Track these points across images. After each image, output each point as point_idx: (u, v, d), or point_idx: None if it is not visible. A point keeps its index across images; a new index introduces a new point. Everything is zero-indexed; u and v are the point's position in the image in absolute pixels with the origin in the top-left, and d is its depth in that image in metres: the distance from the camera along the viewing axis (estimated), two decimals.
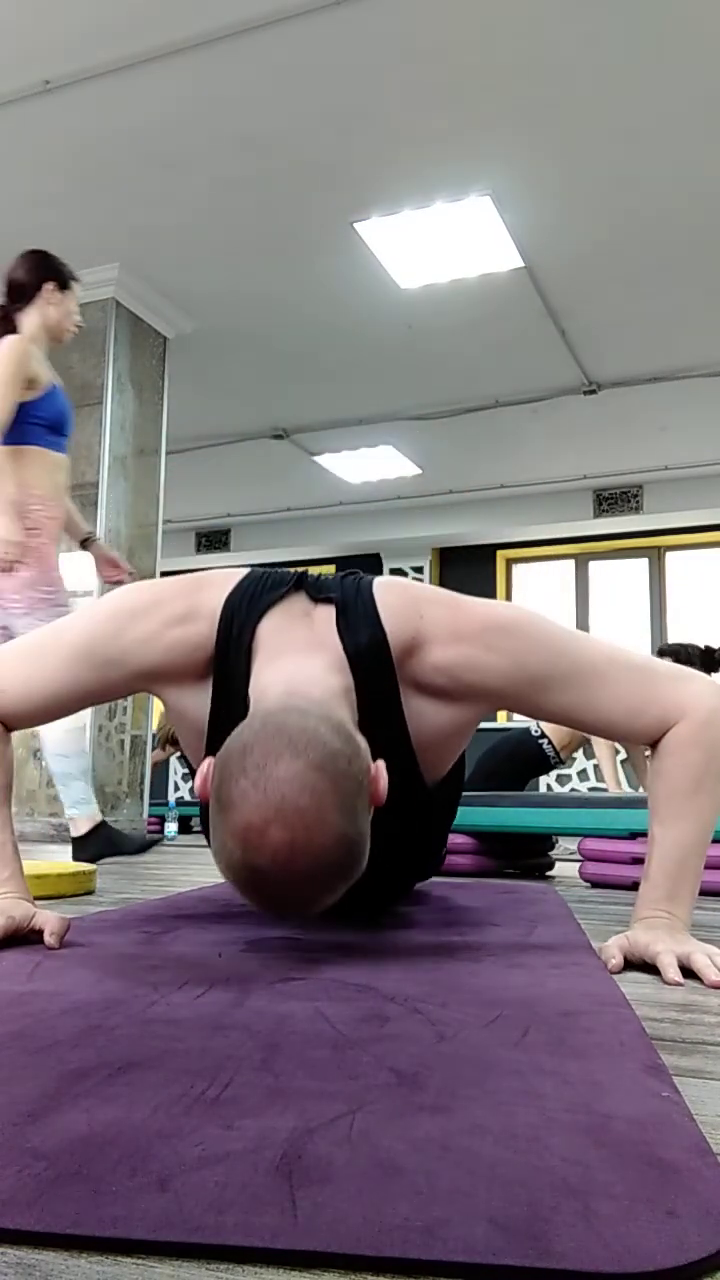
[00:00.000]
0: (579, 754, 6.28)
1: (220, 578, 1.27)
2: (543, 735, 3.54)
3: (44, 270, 2.86)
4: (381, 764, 1.04)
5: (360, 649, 1.18)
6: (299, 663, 1.15)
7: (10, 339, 2.71)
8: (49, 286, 2.84)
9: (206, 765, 1.03)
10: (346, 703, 1.14)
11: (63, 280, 2.86)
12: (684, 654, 3.50)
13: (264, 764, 0.94)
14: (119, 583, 2.93)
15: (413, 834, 1.41)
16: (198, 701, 1.24)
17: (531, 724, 3.60)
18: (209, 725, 1.23)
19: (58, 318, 2.86)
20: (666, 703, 1.21)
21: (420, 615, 1.22)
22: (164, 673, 1.24)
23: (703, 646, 3.61)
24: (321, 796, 0.93)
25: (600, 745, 3.87)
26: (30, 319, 2.82)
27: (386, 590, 1.25)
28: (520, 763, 3.58)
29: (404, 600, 1.24)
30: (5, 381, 2.65)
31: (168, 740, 5.94)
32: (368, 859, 1.00)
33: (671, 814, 1.18)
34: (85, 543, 3.14)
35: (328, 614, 1.21)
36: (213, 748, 1.17)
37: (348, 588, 1.25)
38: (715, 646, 3.61)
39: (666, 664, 1.29)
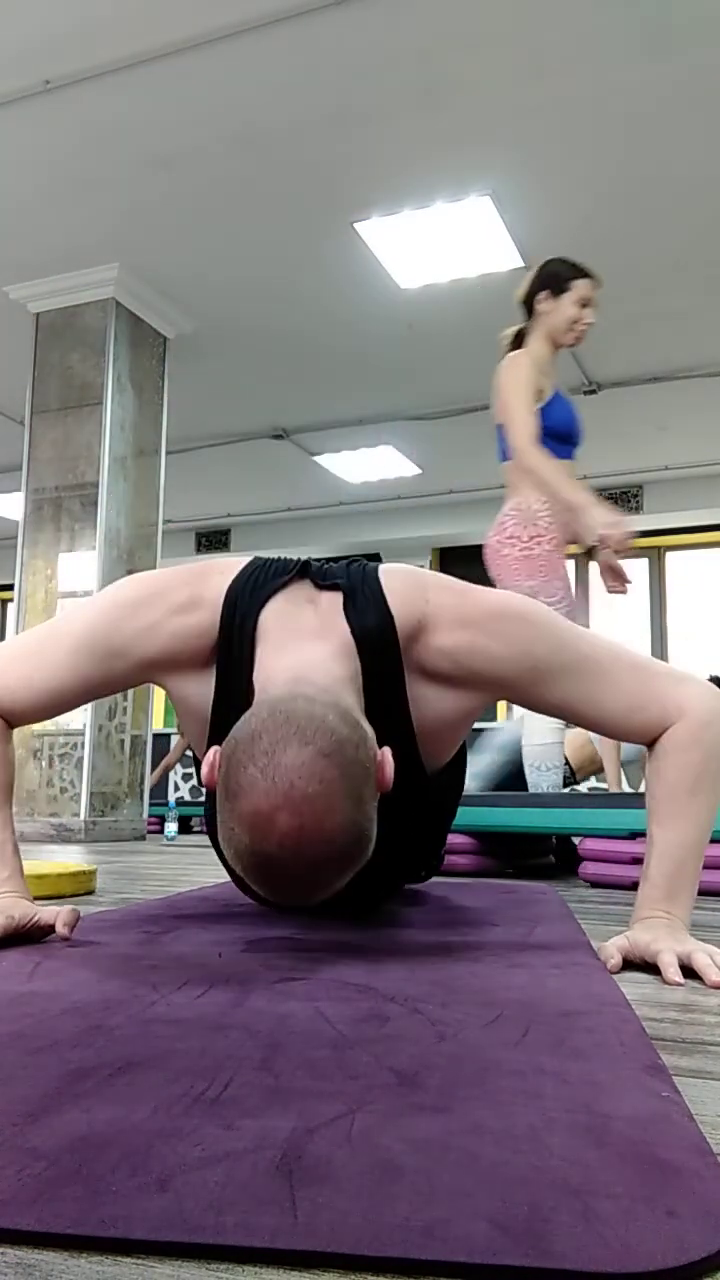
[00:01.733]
0: None
1: (223, 565, 1.27)
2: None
3: (536, 284, 3.03)
4: (387, 750, 1.04)
5: (367, 633, 1.18)
6: (305, 649, 1.15)
7: (510, 356, 2.92)
8: (541, 297, 3.00)
9: (213, 754, 1.02)
10: (353, 689, 1.14)
11: (556, 286, 2.98)
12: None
13: (272, 751, 0.94)
14: (620, 593, 2.92)
15: (413, 823, 1.41)
16: (201, 690, 1.24)
17: None
18: (212, 713, 1.23)
19: (555, 324, 2.99)
20: (666, 701, 1.21)
21: (427, 600, 1.22)
22: (167, 662, 1.24)
23: None
24: (330, 783, 0.93)
25: (604, 745, 3.87)
26: (535, 333, 3.04)
27: (392, 576, 1.25)
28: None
29: (410, 585, 1.24)
30: (514, 400, 2.90)
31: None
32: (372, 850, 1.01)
33: (670, 814, 1.18)
34: (590, 551, 3.13)
35: (334, 600, 1.21)
36: (216, 736, 1.18)
37: (354, 574, 1.25)
38: None
39: (666, 665, 1.29)
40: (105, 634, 1.24)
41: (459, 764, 1.51)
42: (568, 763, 3.53)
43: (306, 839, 0.92)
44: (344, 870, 0.98)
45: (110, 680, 1.27)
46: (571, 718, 1.28)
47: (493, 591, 1.28)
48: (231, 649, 1.20)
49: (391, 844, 1.16)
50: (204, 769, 1.04)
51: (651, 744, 1.23)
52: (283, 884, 0.97)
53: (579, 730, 3.48)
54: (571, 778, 3.58)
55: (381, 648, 1.18)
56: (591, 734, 3.60)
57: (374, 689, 1.17)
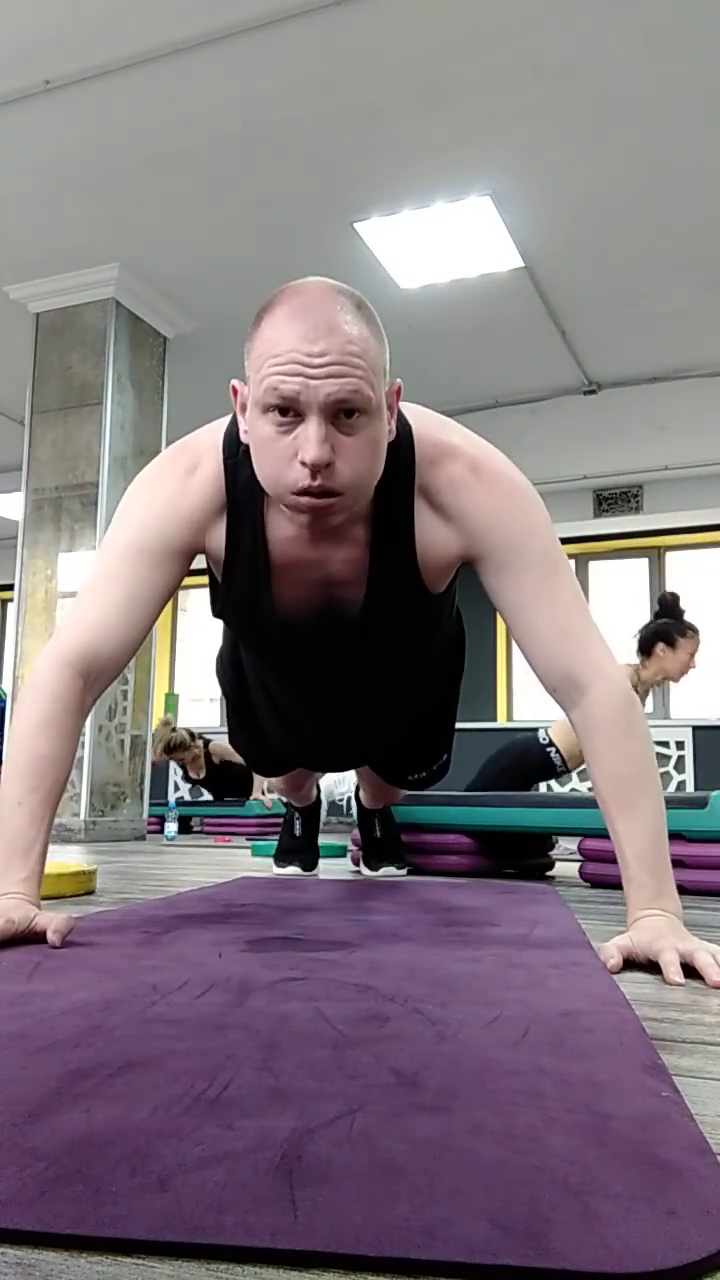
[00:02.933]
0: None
1: (209, 426, 1.37)
2: (550, 744, 3.53)
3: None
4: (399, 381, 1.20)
5: (389, 443, 1.23)
6: None
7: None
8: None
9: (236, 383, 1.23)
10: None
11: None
12: (661, 630, 3.54)
13: (299, 288, 1.16)
14: None
15: (424, 643, 1.52)
16: (222, 532, 1.32)
17: (540, 731, 3.58)
18: (227, 539, 1.31)
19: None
20: (590, 651, 1.26)
21: (449, 434, 1.32)
22: (201, 520, 1.31)
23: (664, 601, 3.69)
24: (354, 295, 1.17)
25: None
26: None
27: (422, 410, 1.35)
28: (526, 770, 3.56)
29: (438, 419, 1.34)
30: None
31: (166, 749, 5.89)
32: (381, 679, 1.07)
33: (629, 806, 1.20)
34: None
35: None
36: (232, 558, 1.31)
37: None
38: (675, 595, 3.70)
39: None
40: (146, 530, 1.31)
41: (458, 615, 1.62)
42: (559, 752, 3.52)
43: (335, 288, 1.16)
44: (364, 322, 1.14)
45: (174, 572, 1.32)
46: (509, 617, 1.32)
47: (510, 465, 1.35)
48: (237, 472, 1.28)
49: (406, 659, 1.27)
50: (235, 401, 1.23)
51: (565, 698, 1.27)
52: (304, 312, 1.12)
53: (563, 719, 3.47)
54: (563, 767, 3.56)
55: (397, 458, 1.25)
56: (558, 704, 3.57)
57: (386, 494, 1.25)
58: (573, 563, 8.04)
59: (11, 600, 5.18)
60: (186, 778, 6.39)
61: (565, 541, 7.97)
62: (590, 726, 1.24)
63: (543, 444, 6.61)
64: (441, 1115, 0.55)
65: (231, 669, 1.78)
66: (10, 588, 5.57)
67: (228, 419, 1.34)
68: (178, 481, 1.32)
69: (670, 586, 7.74)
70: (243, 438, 1.24)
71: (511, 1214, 0.42)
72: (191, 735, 6.07)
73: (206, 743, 6.11)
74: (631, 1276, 0.38)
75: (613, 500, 7.34)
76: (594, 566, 7.94)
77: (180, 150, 3.87)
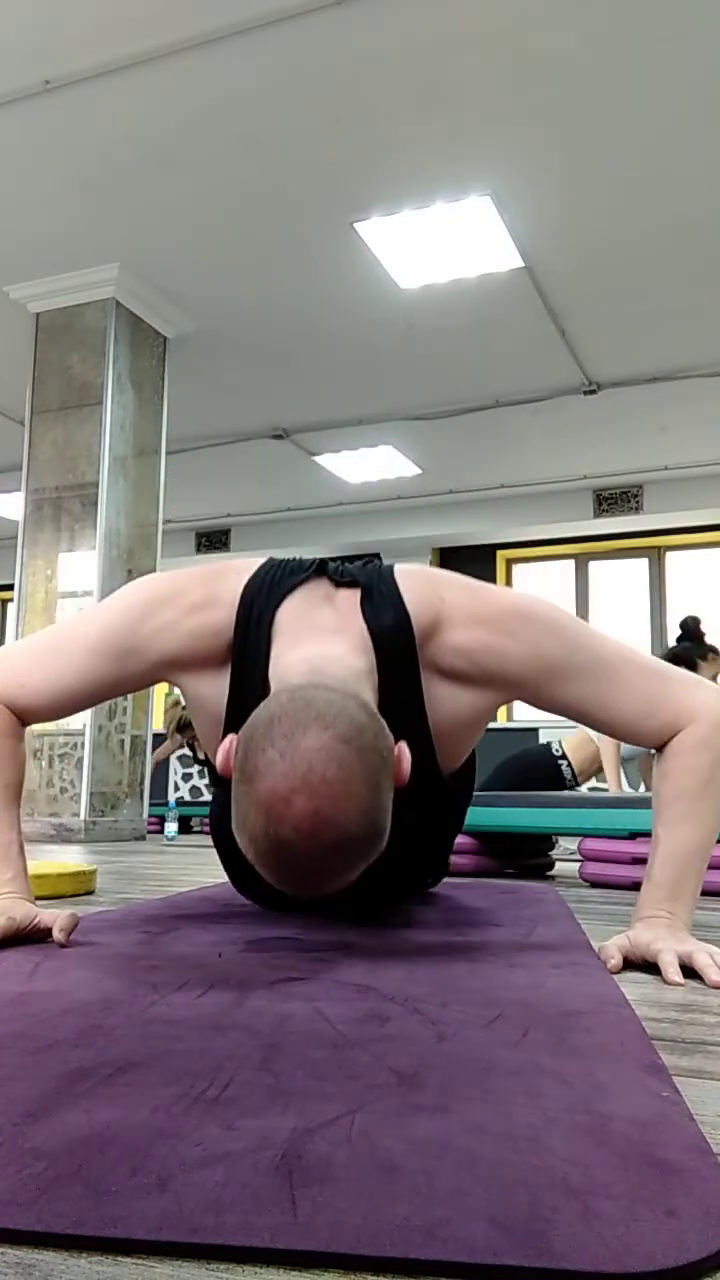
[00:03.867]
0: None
1: (239, 565, 1.29)
2: (563, 756, 3.53)
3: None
4: (404, 744, 1.05)
5: (384, 630, 1.19)
6: (322, 644, 1.16)
7: None
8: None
9: (229, 741, 1.03)
10: (370, 684, 1.14)
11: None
12: (683, 655, 3.53)
13: (291, 734, 0.94)
14: None
15: (428, 825, 1.42)
16: (217, 688, 1.25)
17: (553, 742, 3.58)
18: (227, 710, 1.23)
19: None
20: (679, 705, 1.21)
21: (441, 598, 1.23)
22: (184, 660, 1.25)
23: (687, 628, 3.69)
24: (349, 768, 0.93)
25: (604, 744, 3.87)
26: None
27: (408, 575, 1.26)
28: (538, 781, 3.55)
29: (426, 584, 1.25)
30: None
31: (177, 728, 5.92)
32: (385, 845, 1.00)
33: (677, 816, 1.18)
34: None
35: (351, 597, 1.23)
36: (232, 731, 1.17)
37: (370, 572, 1.27)
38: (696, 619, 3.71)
39: (678, 669, 1.29)
40: (124, 634, 1.25)
41: (470, 773, 1.51)
42: (570, 765, 3.52)
43: (322, 823, 0.92)
44: (357, 860, 0.98)
45: (126, 679, 1.28)
46: (584, 719, 1.28)
47: (507, 590, 1.30)
48: (247, 645, 1.21)
49: (404, 844, 1.16)
50: (220, 757, 1.04)
51: (661, 747, 1.23)
52: (295, 870, 0.97)
53: (580, 730, 3.48)
54: (574, 781, 3.56)
55: (398, 644, 1.19)
56: (592, 732, 3.60)
57: (390, 686, 1.18)
58: (572, 563, 8.06)
59: (11, 600, 5.18)
60: (195, 758, 6.36)
61: (565, 541, 7.99)
62: (667, 754, 1.22)
63: (543, 444, 6.62)
64: (441, 1115, 0.55)
65: (225, 831, 1.64)
66: (10, 588, 5.58)
67: (251, 571, 1.26)
68: (179, 612, 1.24)
69: (670, 586, 7.75)
70: (220, 772, 1.08)
71: (511, 1214, 0.42)
72: None
73: None
74: (631, 1276, 0.38)
75: (613, 500, 7.34)
76: (594, 566, 7.95)
77: (180, 150, 3.87)
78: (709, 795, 1.19)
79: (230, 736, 1.03)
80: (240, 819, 0.97)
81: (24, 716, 1.28)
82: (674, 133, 3.70)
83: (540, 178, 3.99)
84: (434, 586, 1.25)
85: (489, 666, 1.22)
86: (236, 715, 1.16)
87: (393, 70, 3.41)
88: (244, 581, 1.24)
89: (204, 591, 1.25)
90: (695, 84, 3.44)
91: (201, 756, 6.22)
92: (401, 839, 1.09)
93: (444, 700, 1.24)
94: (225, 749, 1.03)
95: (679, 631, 3.74)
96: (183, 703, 6.07)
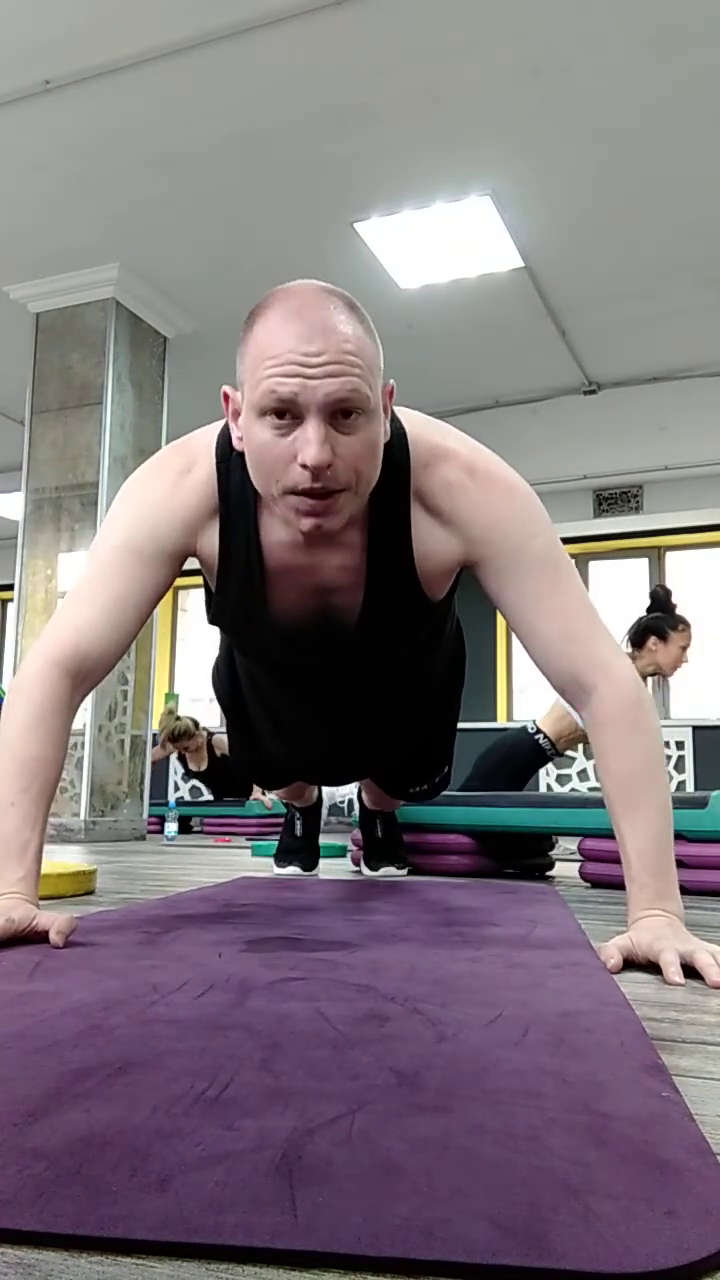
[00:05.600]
0: (579, 754, 6.30)
1: (206, 428, 1.36)
2: (538, 731, 3.53)
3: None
4: (392, 382, 1.20)
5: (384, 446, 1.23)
6: None
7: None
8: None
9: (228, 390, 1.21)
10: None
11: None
12: (653, 625, 3.57)
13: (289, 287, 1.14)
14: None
15: (422, 658, 1.51)
16: (215, 537, 1.31)
17: (528, 721, 3.58)
18: (220, 545, 1.30)
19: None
20: (596, 656, 1.25)
21: (444, 437, 1.31)
22: (194, 522, 1.30)
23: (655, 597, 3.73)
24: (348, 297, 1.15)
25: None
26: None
27: (413, 413, 1.33)
28: (519, 762, 3.56)
29: (429, 422, 1.33)
30: None
31: (170, 737, 5.93)
32: (383, 687, 1.08)
33: (634, 806, 1.20)
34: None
35: None
36: (225, 563, 1.30)
37: None
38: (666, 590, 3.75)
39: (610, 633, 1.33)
40: (139, 531, 1.30)
41: (459, 642, 1.58)
42: (546, 737, 3.52)
43: (327, 290, 1.14)
44: (361, 334, 1.12)
45: (165, 573, 1.32)
46: (512, 620, 1.31)
47: (506, 466, 1.34)
48: (230, 477, 1.28)
49: (404, 679, 1.25)
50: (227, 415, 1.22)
51: (574, 699, 1.26)
52: (302, 320, 1.10)
53: (556, 701, 3.46)
54: (553, 750, 3.56)
55: (393, 462, 1.24)
56: (565, 704, 3.58)
57: (382, 498, 1.24)
58: (572, 563, 8.05)
59: (11, 600, 5.18)
60: (188, 772, 6.38)
61: (565, 541, 7.94)
62: (597, 725, 1.24)
63: (543, 444, 6.61)
64: (441, 1115, 0.55)
65: (228, 680, 1.77)
66: (10, 588, 5.57)
67: (221, 423, 1.33)
68: (170, 483, 1.31)
69: (670, 587, 7.75)
70: (236, 445, 1.22)
71: (511, 1214, 0.42)
72: (195, 724, 6.07)
73: (210, 734, 6.11)
74: (631, 1276, 0.38)
75: (613, 500, 7.34)
76: (594, 566, 7.94)
77: (180, 150, 3.87)
78: (655, 777, 1.21)
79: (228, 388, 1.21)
80: (241, 351, 1.16)
81: (84, 664, 1.28)
82: (674, 132, 3.70)
83: (540, 178, 3.99)
84: (438, 427, 1.33)
85: (461, 512, 1.28)
86: (229, 547, 1.28)
87: (393, 70, 3.41)
88: (218, 429, 1.32)
89: (181, 458, 1.32)
90: (696, 84, 3.44)
91: (194, 769, 6.22)
92: (401, 660, 1.27)
93: (422, 531, 1.29)
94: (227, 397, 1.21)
95: (648, 601, 3.74)
96: (176, 711, 6.07)
